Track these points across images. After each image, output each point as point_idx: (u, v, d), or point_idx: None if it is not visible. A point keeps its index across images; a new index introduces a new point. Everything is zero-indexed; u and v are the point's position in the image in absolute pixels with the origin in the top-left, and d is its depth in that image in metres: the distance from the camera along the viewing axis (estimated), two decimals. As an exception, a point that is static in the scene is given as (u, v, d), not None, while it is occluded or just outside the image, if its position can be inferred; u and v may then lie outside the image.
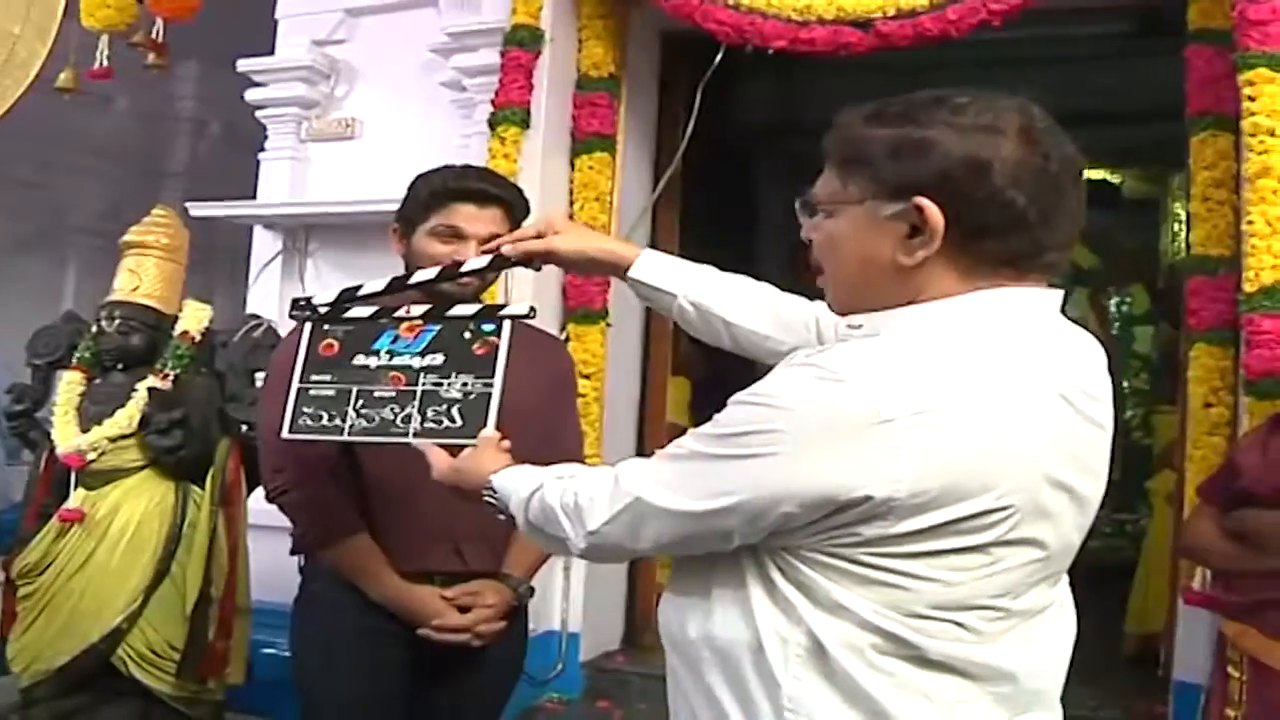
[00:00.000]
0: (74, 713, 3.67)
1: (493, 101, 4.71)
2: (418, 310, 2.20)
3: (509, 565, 2.65)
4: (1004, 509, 1.32)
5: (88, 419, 3.79)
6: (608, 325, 4.98)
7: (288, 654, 2.83)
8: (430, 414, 2.06)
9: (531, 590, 2.71)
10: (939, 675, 1.35)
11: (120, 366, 3.87)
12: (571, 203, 4.98)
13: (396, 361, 2.14)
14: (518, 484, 1.73)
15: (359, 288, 2.21)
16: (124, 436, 3.75)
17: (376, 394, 2.11)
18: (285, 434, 2.14)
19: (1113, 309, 10.90)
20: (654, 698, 4.81)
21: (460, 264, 2.23)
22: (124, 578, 3.68)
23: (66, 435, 3.77)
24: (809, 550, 1.35)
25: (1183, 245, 8.59)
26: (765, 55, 4.61)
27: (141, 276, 3.92)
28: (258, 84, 5.47)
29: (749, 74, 6.40)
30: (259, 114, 5.46)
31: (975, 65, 6.93)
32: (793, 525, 1.34)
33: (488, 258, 2.16)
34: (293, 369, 2.19)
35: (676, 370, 6.02)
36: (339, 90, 5.46)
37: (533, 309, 2.10)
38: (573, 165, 5.01)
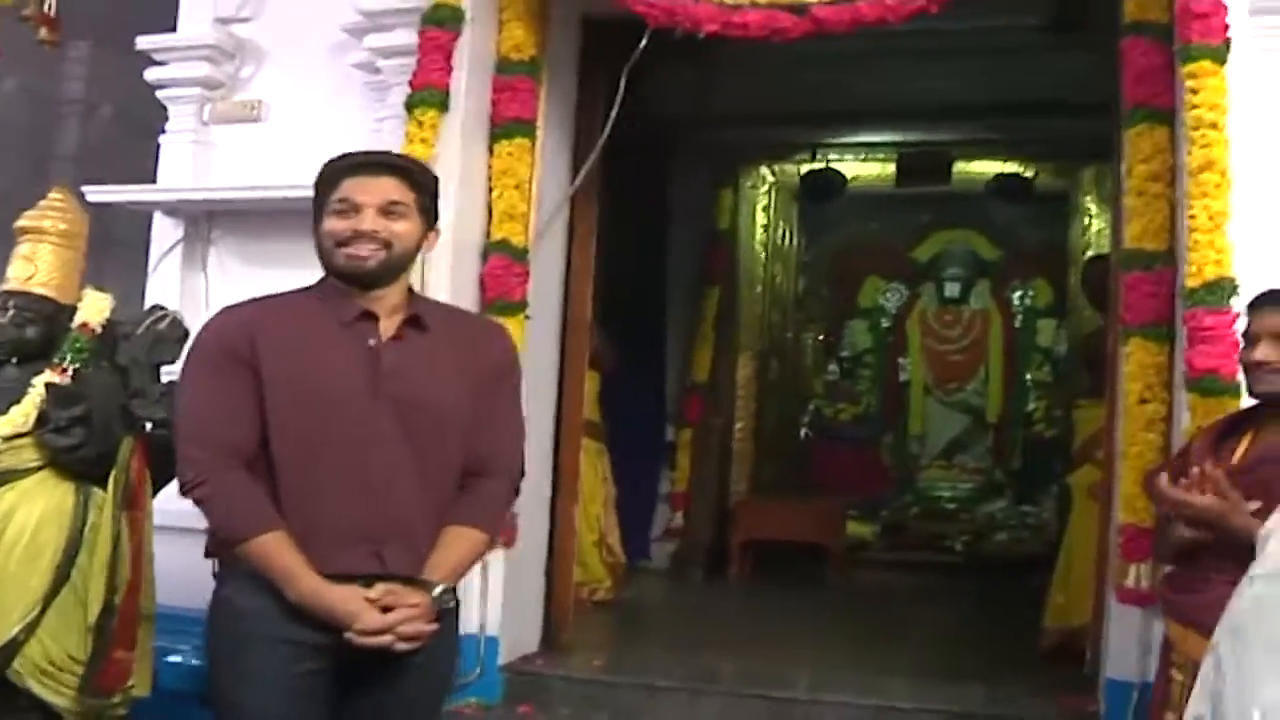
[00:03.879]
0: (-35, 732, 3.46)
1: (411, 83, 4.55)
2: None
3: (429, 570, 2.52)
4: None
5: (-22, 416, 3.57)
6: (527, 317, 4.85)
7: (194, 663, 2.69)
8: None
9: (453, 596, 2.57)
10: None
11: (14, 360, 3.66)
12: (490, 190, 4.83)
13: None
14: None
15: None
16: (19, 435, 3.54)
17: None
18: None
19: (1015, 302, 11.04)
20: (575, 701, 4.76)
21: None
22: (20, 586, 3.46)
23: (-44, 434, 3.55)
24: None
25: (1093, 239, 8.75)
26: (687, 43, 4.52)
27: (37, 264, 3.72)
28: (156, 63, 5.24)
29: (664, 63, 6.32)
30: (159, 94, 5.25)
31: (892, 57, 6.98)
32: None
33: None
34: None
35: (589, 364, 5.91)
36: (245, 70, 5.26)
37: None
38: (491, 151, 4.86)
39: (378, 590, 2.43)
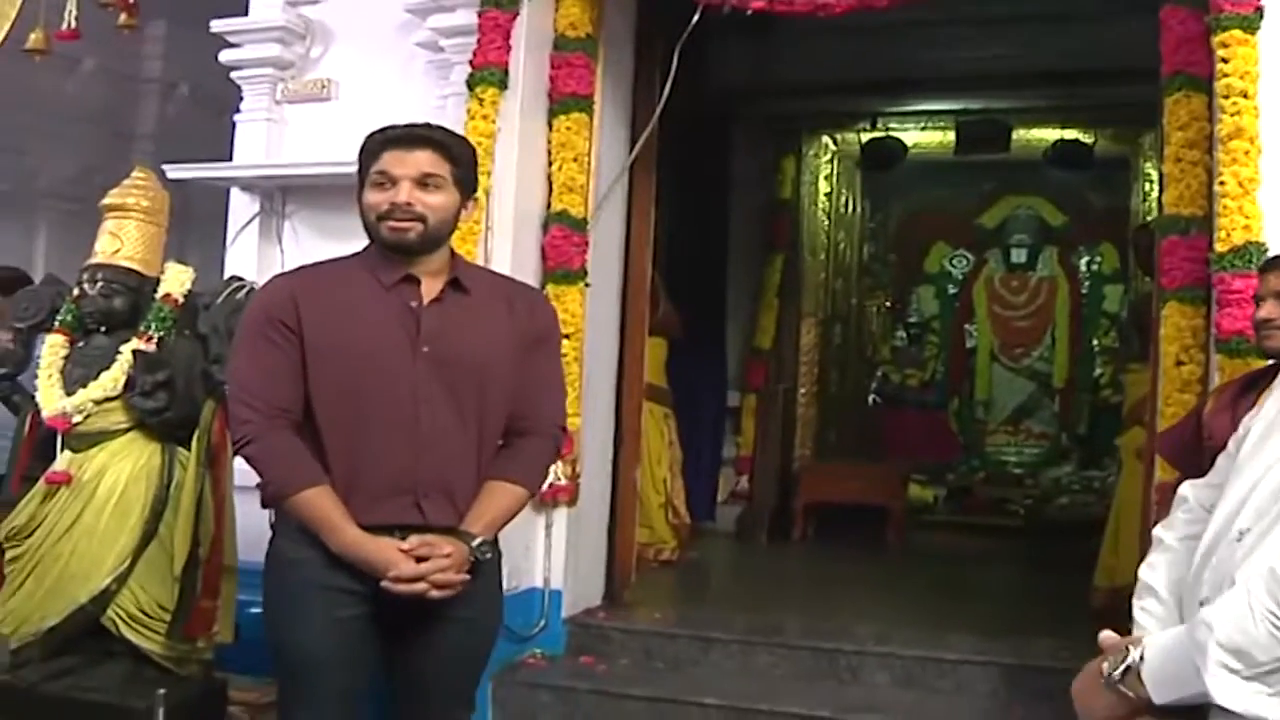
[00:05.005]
0: (65, 673, 3.70)
1: (471, 62, 4.68)
2: None
3: (468, 522, 2.65)
4: None
5: (72, 382, 3.80)
6: (586, 285, 5.00)
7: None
8: None
9: (492, 548, 2.70)
10: None
11: (103, 329, 3.88)
12: (550, 164, 4.98)
13: None
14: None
15: None
16: (109, 399, 3.77)
17: None
18: None
19: (1082, 268, 11.00)
20: (636, 653, 4.93)
21: None
22: (112, 539, 3.71)
23: (51, 398, 3.79)
24: None
25: (1154, 204, 8.72)
26: (741, 16, 4.62)
27: (122, 239, 3.92)
28: (230, 44, 5.44)
29: (725, 35, 6.43)
30: (233, 75, 5.43)
31: (949, 25, 7.04)
32: None
33: None
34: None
35: (653, 331, 6.05)
36: (314, 51, 5.42)
37: None
38: (550, 126, 5.00)
39: (412, 541, 2.57)
